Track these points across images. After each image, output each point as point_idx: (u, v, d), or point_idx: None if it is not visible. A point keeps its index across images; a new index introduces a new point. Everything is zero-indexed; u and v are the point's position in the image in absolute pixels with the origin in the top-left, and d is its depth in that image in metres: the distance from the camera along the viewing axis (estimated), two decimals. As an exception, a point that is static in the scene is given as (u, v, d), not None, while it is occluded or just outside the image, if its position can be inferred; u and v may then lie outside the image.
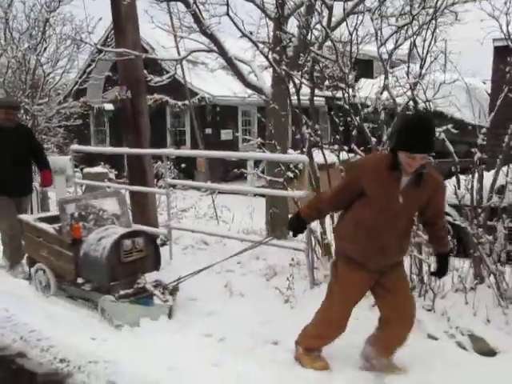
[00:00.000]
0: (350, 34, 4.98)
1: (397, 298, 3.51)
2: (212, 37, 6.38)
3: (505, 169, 4.82)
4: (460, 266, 4.73)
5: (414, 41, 4.94)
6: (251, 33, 7.79)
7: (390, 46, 5.19)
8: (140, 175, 6.72)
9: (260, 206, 8.51)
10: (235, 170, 8.55)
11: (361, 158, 4.62)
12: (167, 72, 8.27)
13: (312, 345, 3.74)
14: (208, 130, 15.61)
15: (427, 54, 4.94)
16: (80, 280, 4.80)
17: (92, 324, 4.57)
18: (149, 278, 4.71)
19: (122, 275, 4.64)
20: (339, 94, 5.31)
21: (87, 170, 11.65)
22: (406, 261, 4.87)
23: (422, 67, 4.96)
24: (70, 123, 15.34)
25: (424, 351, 3.85)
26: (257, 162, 11.95)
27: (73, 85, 16.34)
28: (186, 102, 14.16)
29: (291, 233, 3.84)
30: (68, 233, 4.80)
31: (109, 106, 16.22)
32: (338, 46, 5.16)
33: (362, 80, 9.73)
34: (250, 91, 7.09)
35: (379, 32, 5.00)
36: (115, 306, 4.48)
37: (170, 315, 4.49)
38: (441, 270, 3.57)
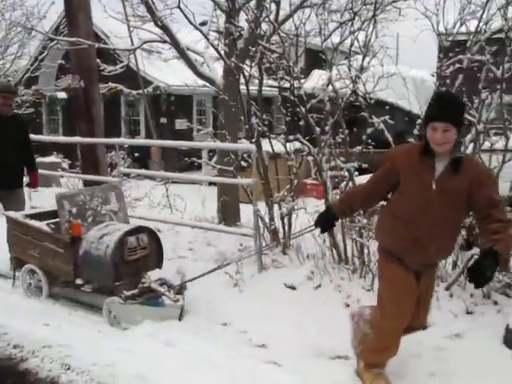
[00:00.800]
0: (296, 29, 5.20)
1: (418, 307, 3.29)
2: (164, 28, 6.47)
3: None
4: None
5: (369, 35, 5.18)
6: (205, 23, 7.89)
7: (337, 39, 5.46)
8: (93, 164, 6.80)
9: (212, 194, 8.70)
10: (186, 159, 8.67)
11: (395, 147, 4.44)
12: (121, 61, 8.31)
13: (373, 360, 3.44)
14: (163, 120, 15.62)
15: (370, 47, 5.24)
16: (79, 281, 4.53)
17: (48, 312, 4.60)
18: (151, 277, 4.51)
19: (126, 274, 4.40)
20: (288, 85, 5.53)
21: (40, 159, 11.52)
22: (349, 244, 5.21)
23: (363, 60, 5.23)
24: (21, 112, 15.04)
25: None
26: (211, 152, 12.09)
27: (24, 72, 16.01)
28: (141, 91, 14.13)
29: (319, 229, 3.61)
30: (67, 230, 4.50)
31: (62, 95, 15.98)
32: (287, 39, 5.36)
33: (316, 71, 10.01)
34: (201, 82, 7.21)
35: (325, 27, 5.23)
36: (124, 308, 4.26)
37: (180, 316, 4.24)
38: (475, 271, 2.77)
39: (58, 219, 4.76)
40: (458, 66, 4.92)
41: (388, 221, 3.26)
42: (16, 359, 3.86)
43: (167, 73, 15.16)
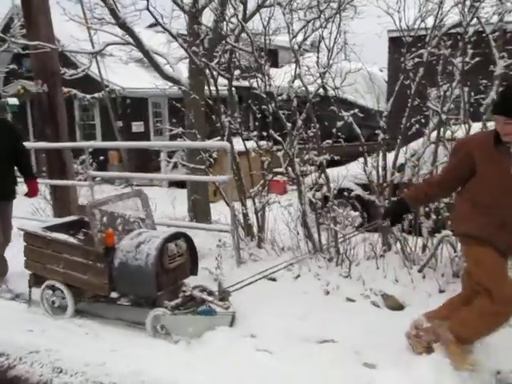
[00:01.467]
0: (264, 28, 5.33)
1: None
2: (129, 30, 6.48)
3: (404, 148, 5.43)
4: (370, 236, 5.30)
5: (333, 32, 5.38)
6: (155, 24, 7.89)
7: (299, 37, 5.64)
8: (60, 168, 6.72)
9: (179, 196, 8.73)
10: (153, 159, 8.67)
11: (466, 136, 4.56)
12: (77, 65, 8.23)
13: (468, 337, 3.39)
14: (119, 123, 15.44)
15: (334, 44, 5.44)
16: (114, 294, 4.27)
17: (28, 318, 4.54)
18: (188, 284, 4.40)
19: (166, 284, 4.18)
20: (255, 84, 5.67)
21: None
22: (324, 234, 5.40)
23: (328, 57, 5.43)
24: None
25: (344, 312, 4.32)
26: (174, 153, 12.08)
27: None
28: (96, 94, 13.95)
29: (388, 222, 3.63)
30: (100, 241, 4.16)
31: (13, 100, 15.53)
32: (253, 37, 5.48)
33: (270, 69, 10.18)
34: (157, 83, 7.24)
35: (290, 25, 5.39)
36: (175, 319, 4.02)
37: (232, 323, 4.08)
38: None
39: (69, 231, 4.67)
40: (417, 59, 5.20)
41: (466, 208, 3.29)
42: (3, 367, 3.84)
43: (122, 75, 15.00)
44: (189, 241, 4.41)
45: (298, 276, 5.02)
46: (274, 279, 5.00)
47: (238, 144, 5.97)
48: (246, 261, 5.46)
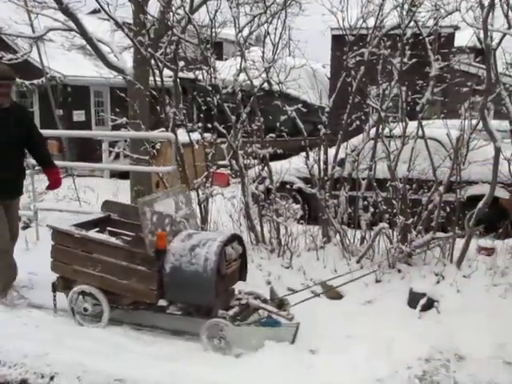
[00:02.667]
0: (211, 20, 5.37)
1: None
2: (72, 16, 6.32)
3: (345, 144, 5.63)
4: (311, 229, 5.47)
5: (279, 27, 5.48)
6: (96, 10, 7.76)
7: (246, 31, 5.71)
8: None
9: (122, 187, 8.62)
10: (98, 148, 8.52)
11: None
12: (15, 50, 7.95)
13: None
14: (59, 111, 14.99)
15: (279, 40, 5.55)
16: (163, 302, 3.91)
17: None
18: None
19: (222, 291, 3.85)
20: (200, 76, 5.69)
21: None
22: (266, 226, 5.52)
23: (274, 52, 5.54)
24: None
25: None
26: (113, 145, 11.89)
27: None
28: (35, 81, 13.49)
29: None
30: (151, 243, 3.76)
31: None
32: (199, 29, 5.51)
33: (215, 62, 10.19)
34: (101, 72, 7.12)
35: (236, 19, 5.44)
36: (240, 331, 3.69)
37: (295, 335, 3.77)
38: None
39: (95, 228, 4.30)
40: (359, 58, 5.39)
41: None
42: None
43: (62, 62, 14.54)
44: (242, 244, 4.11)
45: (241, 266, 5.10)
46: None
47: (182, 135, 5.97)
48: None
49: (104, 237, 4.08)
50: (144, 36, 5.62)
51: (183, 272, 3.72)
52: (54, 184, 4.75)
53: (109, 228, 4.53)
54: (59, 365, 3.54)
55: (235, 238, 4.04)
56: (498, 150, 4.55)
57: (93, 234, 4.10)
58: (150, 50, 5.41)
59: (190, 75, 5.97)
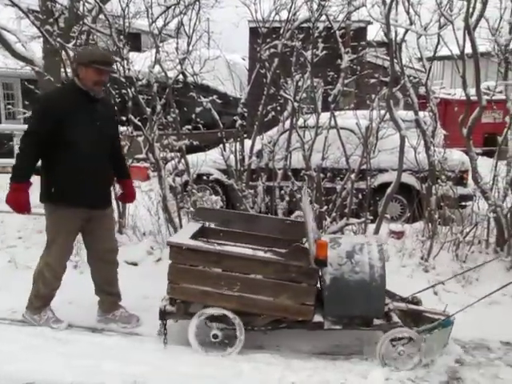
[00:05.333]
0: (123, 10, 5.26)
1: None
2: (-28, 2, 5.97)
3: (262, 135, 5.72)
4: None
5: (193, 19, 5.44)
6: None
7: (161, 22, 5.63)
8: None
9: (35, 183, 8.22)
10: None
11: None
12: None
13: None
14: (-36, 104, 14.14)
15: (193, 32, 5.52)
16: (318, 318, 3.49)
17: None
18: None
19: None
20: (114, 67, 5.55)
21: None
22: (185, 218, 5.50)
23: (188, 44, 5.51)
24: None
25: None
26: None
27: None
28: None
29: None
30: (312, 254, 3.31)
31: None
32: (111, 20, 5.37)
33: (131, 53, 9.99)
34: (22, 63, 6.78)
35: (150, 9, 5.36)
36: (430, 339, 3.41)
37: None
38: None
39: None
40: (273, 50, 5.48)
41: None
42: None
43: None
44: None
45: (160, 259, 5.08)
46: (135, 264, 5.02)
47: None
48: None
49: (249, 251, 3.59)
50: (53, 25, 5.40)
51: (348, 282, 3.41)
52: (130, 197, 4.27)
53: (203, 239, 4.03)
54: None
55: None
56: (403, 139, 4.80)
57: (233, 248, 3.63)
58: (59, 39, 5.22)
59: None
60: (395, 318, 3.47)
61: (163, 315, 3.59)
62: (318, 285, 3.58)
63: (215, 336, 3.50)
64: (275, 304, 3.44)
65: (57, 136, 3.55)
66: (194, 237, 3.80)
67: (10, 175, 3.65)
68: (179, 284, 3.55)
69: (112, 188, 4.36)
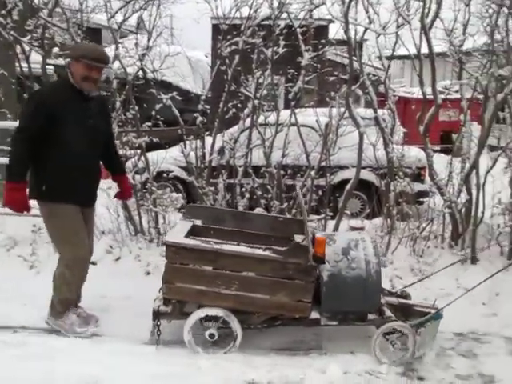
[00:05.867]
0: (81, 4, 5.15)
1: None
2: None
3: (223, 132, 5.71)
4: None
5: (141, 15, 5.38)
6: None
7: (120, 17, 5.54)
8: None
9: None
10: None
11: None
12: None
13: None
14: None
15: (153, 27, 5.46)
16: (315, 315, 3.50)
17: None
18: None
19: None
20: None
21: None
22: (145, 216, 5.45)
23: (149, 39, 5.45)
24: None
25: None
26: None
27: None
28: None
29: None
30: (310, 251, 3.35)
31: None
32: (69, 14, 5.27)
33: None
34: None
35: (108, 3, 5.29)
36: (424, 332, 3.47)
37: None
38: None
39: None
40: (234, 47, 5.46)
41: None
42: None
43: None
44: None
45: (119, 258, 5.02)
46: (93, 263, 4.92)
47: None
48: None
49: (247, 249, 3.52)
50: (6, 17, 5.25)
51: (346, 279, 3.45)
52: (128, 192, 4.28)
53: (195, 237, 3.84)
54: None
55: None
56: (361, 136, 4.87)
57: (230, 247, 3.55)
58: (13, 33, 5.08)
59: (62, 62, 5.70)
60: (388, 313, 3.51)
61: (157, 316, 3.51)
62: None
63: (212, 335, 3.46)
64: (272, 302, 3.44)
65: (48, 133, 3.48)
66: (187, 236, 3.71)
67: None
68: (175, 284, 3.47)
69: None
